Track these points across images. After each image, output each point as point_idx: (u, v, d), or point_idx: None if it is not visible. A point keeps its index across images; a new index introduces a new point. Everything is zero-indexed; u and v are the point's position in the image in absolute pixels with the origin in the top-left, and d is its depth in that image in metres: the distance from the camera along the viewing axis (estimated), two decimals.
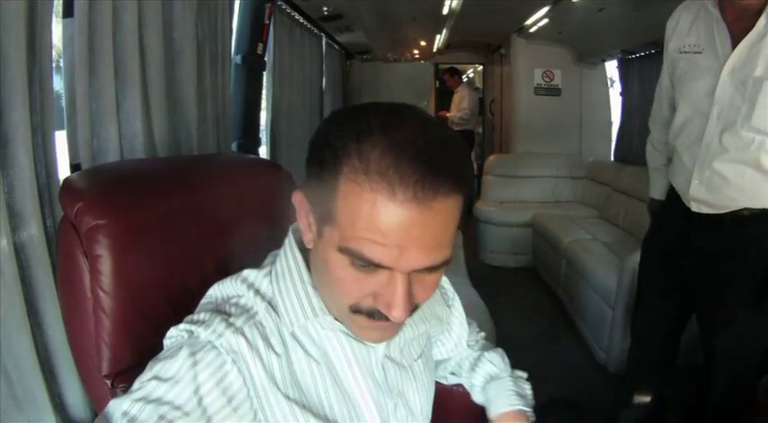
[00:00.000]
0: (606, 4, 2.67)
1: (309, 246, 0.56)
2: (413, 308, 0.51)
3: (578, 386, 2.01)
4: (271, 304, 0.58)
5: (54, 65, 0.89)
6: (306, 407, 0.56)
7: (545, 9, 3.16)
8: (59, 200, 0.75)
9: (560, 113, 4.10)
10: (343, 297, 0.52)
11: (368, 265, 0.48)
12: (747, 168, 1.13)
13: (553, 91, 4.14)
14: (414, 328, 0.69)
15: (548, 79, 4.13)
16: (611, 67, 3.94)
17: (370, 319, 0.52)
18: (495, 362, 0.83)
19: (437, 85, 5.90)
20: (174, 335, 0.57)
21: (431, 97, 5.40)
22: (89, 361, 0.72)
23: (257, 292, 0.59)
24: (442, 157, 0.46)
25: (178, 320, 0.77)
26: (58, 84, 0.99)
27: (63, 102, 0.99)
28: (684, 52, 1.23)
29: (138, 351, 0.74)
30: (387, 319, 0.51)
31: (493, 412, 0.78)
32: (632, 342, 1.57)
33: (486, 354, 0.84)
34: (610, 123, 4.09)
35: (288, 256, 0.60)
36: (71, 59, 0.98)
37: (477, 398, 0.83)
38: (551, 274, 3.02)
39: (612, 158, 3.69)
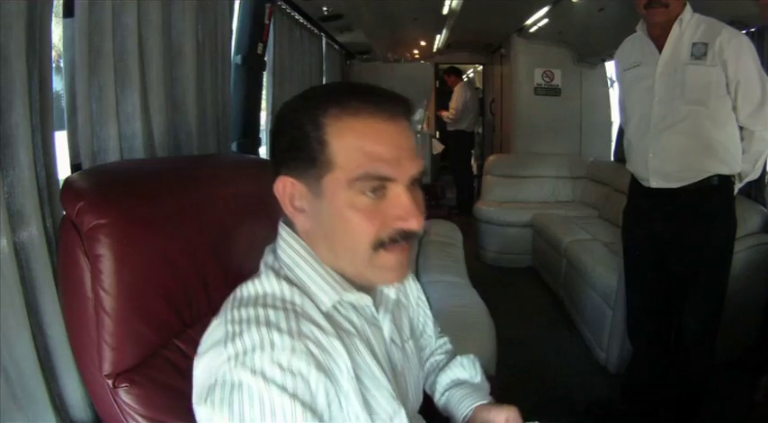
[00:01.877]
0: (606, 4, 2.68)
1: (306, 225, 0.60)
2: (422, 226, 0.58)
3: (578, 386, 2.01)
4: (301, 290, 0.60)
5: (54, 65, 0.89)
6: (363, 392, 0.59)
7: (545, 9, 3.16)
8: (60, 199, 0.76)
9: (560, 113, 4.10)
10: (363, 237, 0.57)
11: (378, 185, 0.56)
12: (689, 137, 1.49)
13: (553, 91, 4.14)
14: (399, 308, 0.73)
15: (548, 79, 4.13)
16: (612, 67, 3.94)
17: (393, 245, 0.58)
18: (467, 366, 0.84)
19: (437, 85, 5.90)
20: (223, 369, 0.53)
21: (431, 97, 5.40)
22: (90, 361, 0.72)
23: (287, 280, 0.60)
24: (390, 91, 0.61)
25: (178, 320, 0.77)
26: (59, 84, 0.99)
27: (63, 102, 0.99)
28: (627, 69, 1.64)
29: (139, 351, 0.74)
30: (405, 240, 0.58)
31: (465, 409, 0.78)
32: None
33: (458, 358, 0.85)
34: (610, 123, 4.08)
35: (291, 246, 0.62)
36: (71, 59, 0.98)
37: (439, 400, 0.82)
38: (551, 274, 3.02)
39: (612, 158, 3.69)
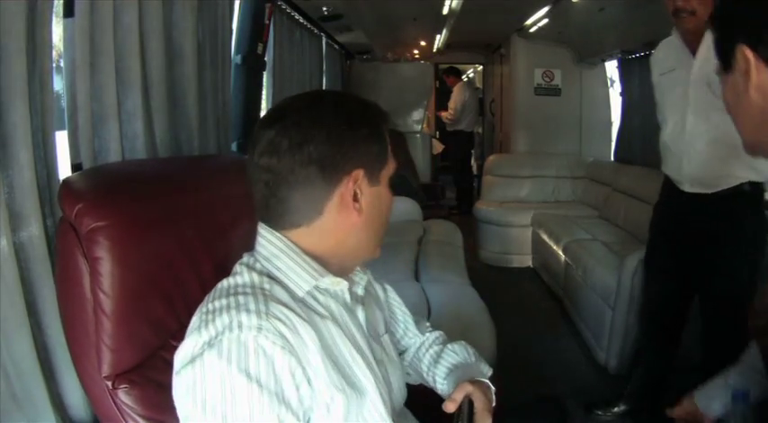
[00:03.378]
0: (606, 4, 2.67)
1: (354, 218, 0.65)
2: None
3: (578, 386, 2.01)
4: (271, 277, 0.63)
5: (54, 65, 0.89)
6: (336, 363, 0.61)
7: (545, 9, 3.16)
8: (58, 201, 0.75)
9: (560, 113, 4.10)
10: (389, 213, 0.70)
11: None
12: (722, 145, 1.44)
13: (553, 91, 4.14)
14: (373, 307, 0.77)
15: (548, 79, 4.13)
16: (611, 67, 3.94)
17: None
18: (458, 351, 0.86)
19: (437, 85, 5.90)
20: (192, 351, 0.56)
21: (431, 97, 5.40)
22: (88, 363, 0.72)
23: (258, 272, 0.63)
24: None
25: (176, 321, 0.77)
26: (59, 84, 0.99)
27: (63, 102, 0.99)
28: (663, 73, 1.63)
29: (137, 352, 0.74)
30: None
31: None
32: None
33: (449, 345, 0.87)
34: (610, 123, 4.08)
35: (270, 241, 0.65)
36: (71, 59, 0.98)
37: (443, 390, 0.83)
38: (551, 274, 3.02)
39: (612, 158, 3.69)
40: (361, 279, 0.75)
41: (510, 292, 3.04)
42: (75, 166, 0.99)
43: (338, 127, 0.62)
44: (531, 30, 3.74)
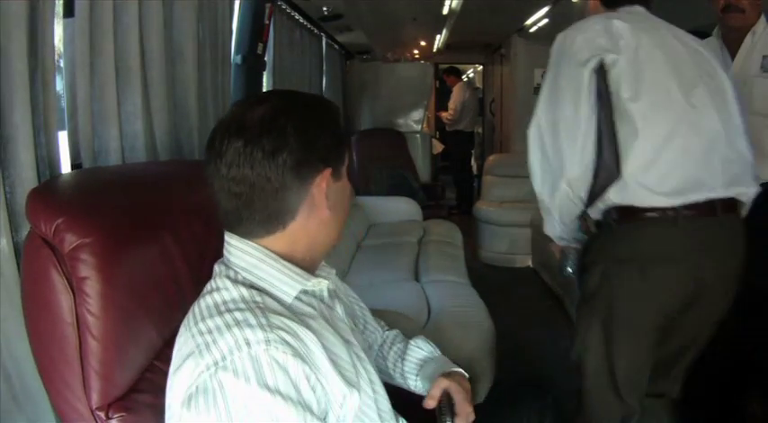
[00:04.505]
0: None
1: (324, 214, 0.65)
2: None
3: (578, 386, 2.01)
4: (256, 288, 0.62)
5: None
6: (336, 363, 0.61)
7: (545, 9, 3.16)
8: (26, 215, 0.68)
9: None
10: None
11: None
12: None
13: None
14: (341, 298, 0.78)
15: None
16: None
17: None
18: (422, 346, 0.88)
19: (437, 85, 5.90)
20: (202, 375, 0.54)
21: (431, 97, 5.40)
22: (72, 397, 0.65)
23: (243, 284, 0.62)
24: None
25: (159, 338, 0.72)
26: (59, 84, 0.99)
27: (63, 102, 0.99)
28: None
29: (128, 376, 0.69)
30: None
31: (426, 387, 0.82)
32: None
33: (412, 342, 0.89)
34: None
35: (244, 250, 0.64)
36: (72, 59, 0.98)
37: (416, 386, 0.86)
38: (551, 274, 3.01)
39: None
40: (329, 273, 0.75)
41: (510, 292, 3.04)
42: (76, 166, 0.99)
43: (308, 130, 0.62)
44: (531, 30, 3.74)
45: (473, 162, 5.60)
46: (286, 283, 0.63)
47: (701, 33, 1.69)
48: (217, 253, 0.67)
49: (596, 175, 1.06)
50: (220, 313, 0.57)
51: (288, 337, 0.56)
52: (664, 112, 1.04)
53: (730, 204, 1.10)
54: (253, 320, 0.56)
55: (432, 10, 3.38)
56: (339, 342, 0.65)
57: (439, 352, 0.89)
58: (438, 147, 5.34)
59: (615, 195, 1.06)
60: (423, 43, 5.00)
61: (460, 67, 5.92)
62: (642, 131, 1.02)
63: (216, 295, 0.61)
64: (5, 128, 0.78)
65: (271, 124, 0.60)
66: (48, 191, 0.73)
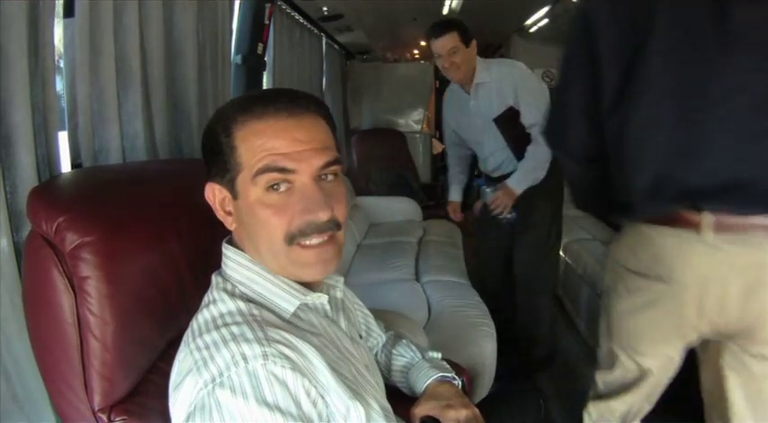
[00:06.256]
0: None
1: (232, 227, 0.64)
2: (333, 218, 0.60)
3: (577, 386, 2.01)
4: (254, 302, 0.61)
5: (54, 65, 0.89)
6: (338, 376, 0.60)
7: (545, 9, 3.16)
8: (27, 214, 0.68)
9: None
10: (275, 232, 0.59)
11: (281, 179, 0.59)
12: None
13: (553, 91, 4.13)
14: (348, 307, 0.77)
15: (548, 79, 4.13)
16: None
17: (304, 240, 0.60)
18: (403, 353, 0.88)
19: (437, 86, 5.90)
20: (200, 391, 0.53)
21: (431, 97, 5.40)
22: (74, 398, 0.65)
23: (240, 297, 0.61)
24: (296, 91, 0.64)
25: (161, 338, 0.71)
26: (59, 84, 0.99)
27: (63, 102, 0.99)
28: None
29: (131, 377, 0.68)
30: (320, 232, 0.60)
31: (418, 394, 0.82)
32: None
33: (393, 350, 0.89)
34: None
35: (240, 263, 0.63)
36: (72, 59, 0.98)
37: (411, 392, 0.86)
38: None
39: None
40: (337, 282, 0.73)
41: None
42: (76, 166, 0.99)
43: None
44: (531, 30, 3.74)
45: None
46: (284, 299, 0.62)
47: None
48: (218, 252, 0.67)
49: None
50: (217, 327, 0.56)
51: (286, 351, 0.55)
52: None
53: None
54: (250, 334, 0.55)
55: (432, 10, 3.38)
56: (341, 356, 0.64)
57: (420, 356, 0.87)
58: (438, 147, 5.34)
59: None
60: (423, 43, 5.00)
61: None
62: None
63: (213, 308, 0.60)
64: (6, 128, 0.78)
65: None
66: (49, 190, 0.73)
